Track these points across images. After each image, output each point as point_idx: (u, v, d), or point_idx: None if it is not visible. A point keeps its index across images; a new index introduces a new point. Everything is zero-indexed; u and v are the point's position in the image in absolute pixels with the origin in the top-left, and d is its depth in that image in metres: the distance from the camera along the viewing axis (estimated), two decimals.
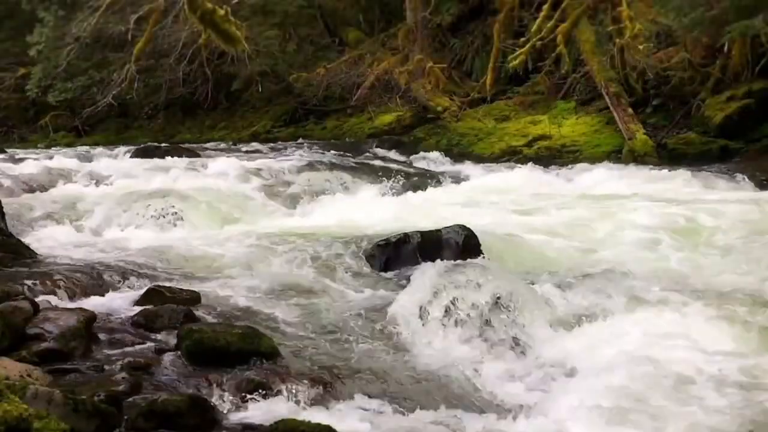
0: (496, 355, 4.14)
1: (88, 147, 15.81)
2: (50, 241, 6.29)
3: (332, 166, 10.54)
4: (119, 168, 10.04)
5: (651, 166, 11.06)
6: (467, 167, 11.84)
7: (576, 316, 4.57)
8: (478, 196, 9.29)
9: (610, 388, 3.66)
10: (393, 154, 13.64)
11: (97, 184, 8.94)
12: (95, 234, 6.85)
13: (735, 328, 4.33)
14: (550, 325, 4.43)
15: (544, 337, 4.31)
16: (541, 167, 11.75)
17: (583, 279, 5.23)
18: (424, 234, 5.73)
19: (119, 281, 5.08)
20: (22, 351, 3.70)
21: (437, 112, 15.16)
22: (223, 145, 15.91)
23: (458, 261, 5.41)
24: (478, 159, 12.79)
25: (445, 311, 4.35)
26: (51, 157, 11.69)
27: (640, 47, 12.18)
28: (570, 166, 11.59)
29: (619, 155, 11.91)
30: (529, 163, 12.26)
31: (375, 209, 8.14)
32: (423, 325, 4.33)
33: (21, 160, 11.19)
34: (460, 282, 4.52)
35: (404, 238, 5.69)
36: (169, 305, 4.46)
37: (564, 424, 3.45)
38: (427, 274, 4.83)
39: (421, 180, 10.45)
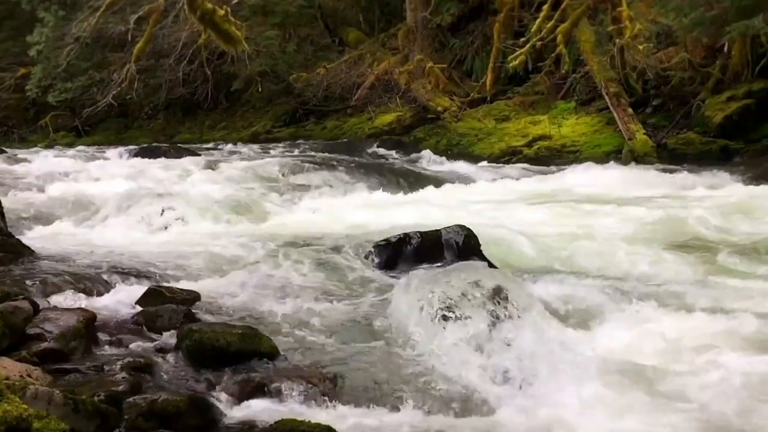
0: (494, 355, 4.14)
1: (88, 147, 15.84)
2: (50, 241, 6.29)
3: (332, 167, 10.55)
4: (119, 168, 10.05)
5: (651, 166, 11.07)
6: (467, 167, 11.85)
7: (575, 316, 4.58)
8: (478, 196, 9.30)
9: (607, 389, 3.67)
10: (393, 154, 13.66)
11: (98, 184, 8.93)
12: (96, 234, 6.85)
13: (730, 331, 4.33)
14: (549, 326, 4.42)
15: (543, 338, 4.31)
16: (541, 167, 11.77)
17: (581, 279, 5.23)
18: (423, 234, 5.73)
19: (119, 281, 5.08)
20: (22, 351, 3.70)
21: (437, 112, 15.16)
22: (223, 145, 15.93)
23: (458, 261, 5.42)
24: (478, 159, 12.80)
25: (444, 311, 4.35)
26: (51, 157, 11.70)
27: (640, 47, 12.19)
28: (570, 166, 11.60)
29: (619, 155, 11.91)
30: (529, 163, 12.29)
31: (375, 209, 8.15)
32: (422, 325, 4.33)
33: (21, 160, 11.20)
34: (459, 282, 4.51)
35: (404, 239, 5.69)
36: (169, 305, 4.46)
37: (560, 424, 3.46)
38: (424, 275, 4.83)
39: (421, 180, 10.45)
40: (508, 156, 12.94)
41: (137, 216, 7.11)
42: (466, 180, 10.79)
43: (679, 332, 4.28)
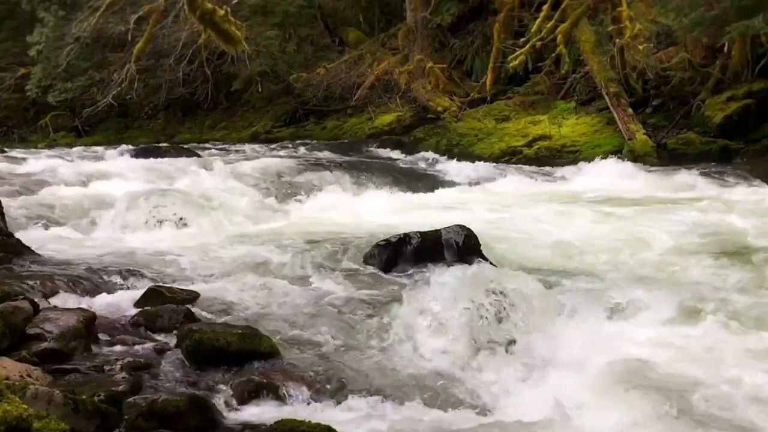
0: (494, 355, 4.14)
1: (88, 147, 15.83)
2: (51, 241, 6.28)
3: (332, 167, 10.54)
4: (119, 168, 10.05)
5: (651, 166, 11.06)
6: (467, 167, 11.83)
7: (573, 316, 4.57)
8: (478, 196, 9.29)
9: (603, 388, 3.66)
10: (393, 155, 13.64)
11: (98, 184, 8.93)
12: (96, 234, 6.84)
13: (727, 335, 4.32)
14: (549, 326, 4.42)
15: (542, 338, 4.31)
16: (541, 167, 11.76)
17: (580, 280, 5.23)
18: (423, 234, 5.73)
19: (119, 281, 5.08)
20: (22, 351, 3.70)
21: (437, 112, 15.16)
22: (224, 146, 15.93)
23: (458, 261, 5.42)
24: (478, 159, 12.78)
25: (445, 312, 4.35)
26: (52, 157, 11.70)
27: (640, 47, 12.17)
28: (570, 166, 11.59)
29: (619, 155, 11.90)
30: (529, 164, 12.28)
31: (375, 210, 8.14)
32: (422, 325, 4.33)
33: (21, 160, 11.20)
34: (461, 283, 4.51)
35: (404, 239, 5.69)
36: (169, 305, 4.46)
37: (558, 424, 3.46)
38: (430, 276, 4.84)
39: (421, 180, 10.44)
40: (508, 156, 12.92)
41: (138, 216, 7.11)
42: (466, 180, 10.78)
43: (692, 338, 4.26)
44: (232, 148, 15.17)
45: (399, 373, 3.92)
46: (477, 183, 10.58)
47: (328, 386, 3.73)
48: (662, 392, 3.61)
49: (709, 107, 11.99)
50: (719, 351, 4.12)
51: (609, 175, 10.56)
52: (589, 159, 11.80)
